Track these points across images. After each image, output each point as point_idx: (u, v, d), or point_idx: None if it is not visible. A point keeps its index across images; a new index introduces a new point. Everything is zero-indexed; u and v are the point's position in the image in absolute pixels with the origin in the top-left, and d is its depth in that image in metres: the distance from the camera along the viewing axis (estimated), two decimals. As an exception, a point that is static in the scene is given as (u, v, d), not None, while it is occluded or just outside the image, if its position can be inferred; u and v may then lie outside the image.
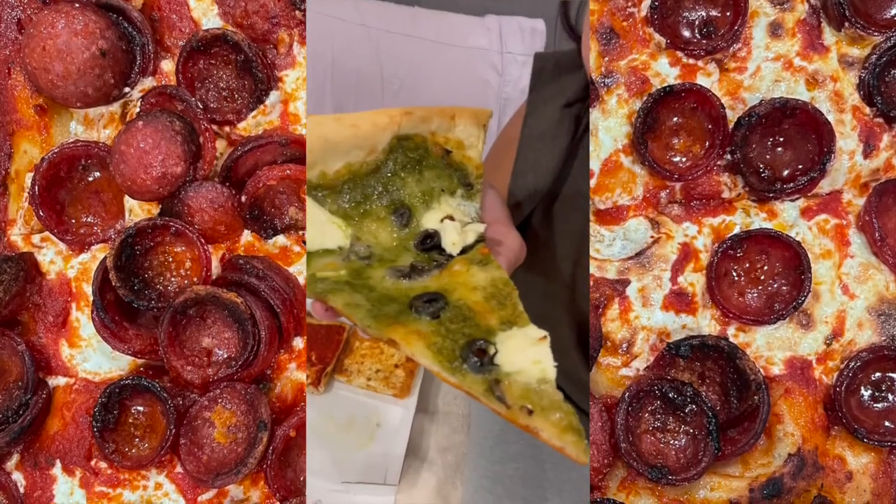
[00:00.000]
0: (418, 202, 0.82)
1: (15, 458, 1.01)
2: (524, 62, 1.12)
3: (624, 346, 1.01)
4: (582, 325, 1.09)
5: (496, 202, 0.89)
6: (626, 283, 1.02)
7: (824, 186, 1.02)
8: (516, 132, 1.12)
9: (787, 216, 1.02)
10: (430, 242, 0.82)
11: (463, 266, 0.80)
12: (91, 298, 0.98)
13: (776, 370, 1.00)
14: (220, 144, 1.02)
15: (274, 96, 1.02)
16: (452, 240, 0.82)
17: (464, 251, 0.82)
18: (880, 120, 1.01)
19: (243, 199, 1.00)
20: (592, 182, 1.03)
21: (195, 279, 0.99)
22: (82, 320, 1.02)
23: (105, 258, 0.97)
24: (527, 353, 0.72)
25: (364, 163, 0.80)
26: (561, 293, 1.11)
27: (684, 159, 1.02)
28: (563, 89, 1.09)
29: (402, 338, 0.71)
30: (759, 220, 1.02)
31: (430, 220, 0.82)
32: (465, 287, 0.77)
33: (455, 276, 0.79)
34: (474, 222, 0.84)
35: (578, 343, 1.13)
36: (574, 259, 1.09)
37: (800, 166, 1.01)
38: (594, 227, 1.03)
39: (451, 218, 0.83)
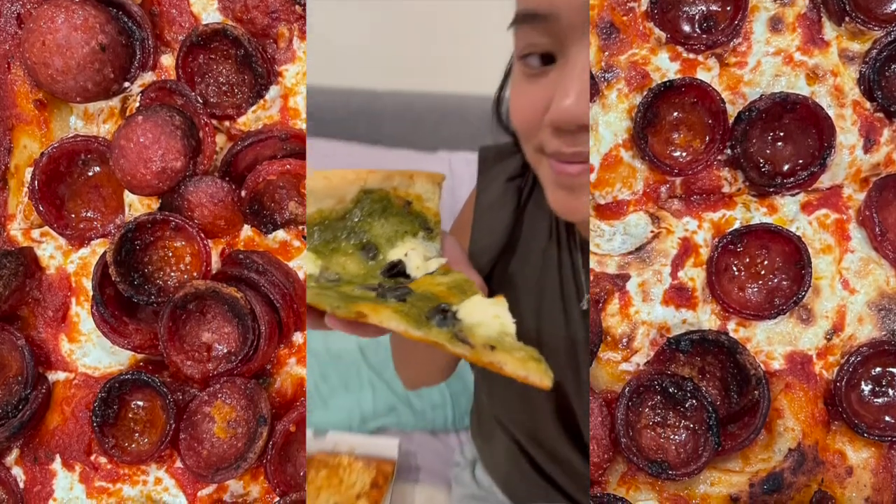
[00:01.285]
0: (383, 241, 0.89)
1: (15, 452, 1.01)
2: (471, 183, 1.28)
3: (624, 340, 1.01)
4: (559, 390, 1.11)
5: (455, 246, 0.95)
6: (626, 277, 1.02)
7: (825, 181, 1.02)
8: (469, 211, 1.23)
9: (788, 211, 1.02)
10: (395, 270, 0.88)
11: (427, 277, 0.87)
12: (91, 293, 0.98)
13: (776, 365, 1.00)
14: (220, 139, 1.02)
15: (274, 91, 1.02)
16: (416, 264, 0.88)
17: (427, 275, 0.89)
18: (881, 115, 1.01)
19: (243, 193, 1.00)
20: (592, 177, 1.03)
21: (195, 274, 0.99)
22: (82, 315, 1.02)
23: (105, 253, 0.97)
24: (486, 310, 0.78)
25: (334, 210, 0.87)
26: None
27: (684, 154, 1.02)
28: (506, 168, 1.20)
29: (370, 309, 0.75)
30: (759, 215, 1.02)
31: (395, 255, 0.89)
32: (429, 284, 0.84)
33: (420, 282, 0.86)
34: (436, 258, 0.91)
35: (558, 414, 1.14)
36: (535, 308, 1.15)
37: (800, 161, 1.00)
38: (594, 222, 1.03)
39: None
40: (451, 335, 0.75)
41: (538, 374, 0.73)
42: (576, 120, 0.83)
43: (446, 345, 0.74)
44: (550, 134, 0.87)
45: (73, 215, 1.03)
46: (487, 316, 0.78)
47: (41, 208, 1.00)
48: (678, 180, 1.03)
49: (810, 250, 0.98)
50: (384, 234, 0.87)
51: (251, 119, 1.02)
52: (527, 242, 1.18)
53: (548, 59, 0.87)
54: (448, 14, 2.45)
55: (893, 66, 1.01)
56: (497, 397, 1.26)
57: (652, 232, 1.03)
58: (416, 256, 0.88)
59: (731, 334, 0.99)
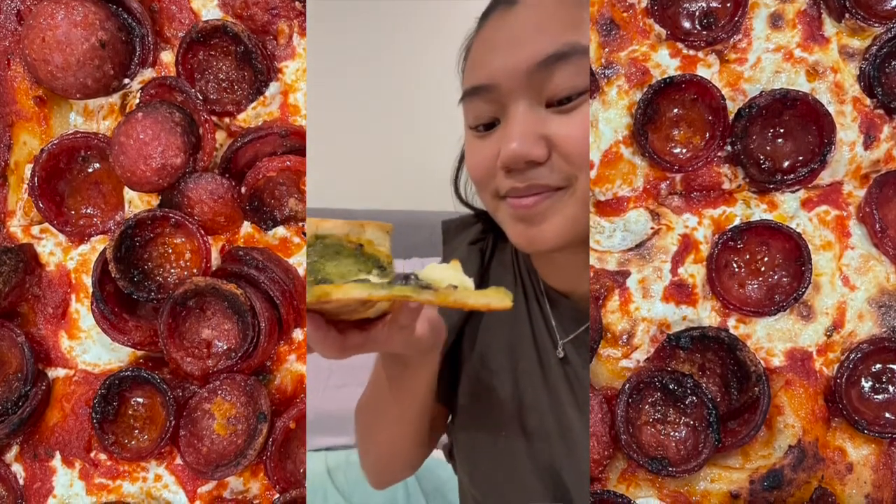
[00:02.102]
0: (339, 278, 0.89)
1: (14, 449, 1.01)
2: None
3: (624, 337, 1.01)
4: (552, 471, 1.10)
5: None
6: (626, 274, 1.02)
7: (825, 178, 1.02)
8: None
9: (788, 207, 1.02)
10: None
11: None
12: (90, 290, 0.98)
13: (776, 361, 1.00)
14: (220, 136, 1.02)
15: (274, 87, 1.02)
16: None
17: None
18: (881, 111, 1.01)
19: (243, 190, 1.00)
20: (593, 174, 1.03)
21: (195, 270, 0.99)
22: (82, 312, 1.02)
23: (104, 249, 0.97)
24: (445, 272, 0.82)
25: None
26: (509, 423, 1.16)
27: (685, 150, 1.02)
28: (468, 235, 1.30)
29: (332, 288, 0.76)
30: (759, 212, 1.01)
31: None
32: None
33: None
34: None
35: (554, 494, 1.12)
36: (511, 368, 1.16)
37: (800, 157, 1.00)
38: (594, 219, 1.03)
39: None
40: (414, 287, 0.79)
41: (498, 299, 0.77)
42: (522, 157, 0.95)
43: (412, 295, 0.77)
44: (504, 177, 0.99)
45: (72, 212, 1.03)
46: (447, 275, 0.82)
47: (41, 205, 1.00)
48: (678, 177, 1.03)
49: (810, 247, 0.98)
50: (338, 273, 0.87)
51: (251, 115, 1.02)
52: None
53: (491, 125, 1.01)
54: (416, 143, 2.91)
55: (893, 63, 1.01)
56: (487, 493, 1.21)
57: (652, 228, 1.02)
58: (375, 278, 0.88)
59: (732, 331, 0.99)
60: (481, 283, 1.22)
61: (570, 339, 1.12)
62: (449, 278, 0.81)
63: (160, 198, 1.01)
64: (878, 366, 0.99)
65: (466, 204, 1.29)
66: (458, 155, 1.25)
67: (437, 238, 1.34)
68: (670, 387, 0.96)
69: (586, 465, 1.03)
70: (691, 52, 1.02)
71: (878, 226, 0.98)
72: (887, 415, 0.98)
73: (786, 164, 1.01)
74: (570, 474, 1.08)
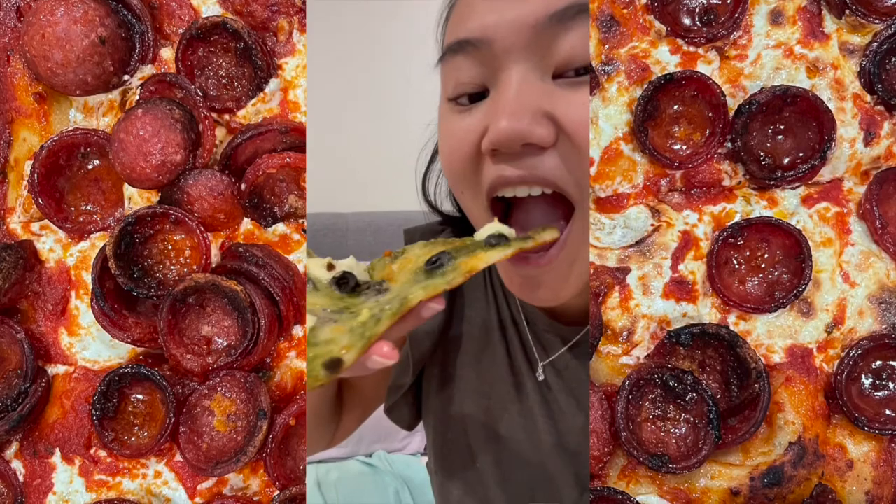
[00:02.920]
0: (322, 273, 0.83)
1: (14, 446, 1.01)
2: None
3: (624, 334, 1.01)
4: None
5: None
6: (626, 271, 1.02)
7: (825, 174, 1.02)
8: None
9: (788, 204, 1.02)
10: (347, 282, 0.78)
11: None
12: (90, 286, 0.98)
13: (777, 358, 0.99)
14: (220, 132, 1.02)
15: (273, 84, 1.02)
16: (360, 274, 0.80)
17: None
18: (881, 108, 1.01)
19: (243, 186, 1.00)
20: (593, 170, 1.03)
21: (195, 267, 0.99)
22: (81, 308, 1.02)
23: (104, 246, 0.97)
24: (495, 228, 0.77)
25: None
26: (481, 452, 1.07)
27: (685, 147, 1.02)
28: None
29: (474, 259, 0.73)
30: (759, 208, 1.01)
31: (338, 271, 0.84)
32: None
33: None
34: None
35: None
36: (484, 394, 1.07)
37: (800, 154, 1.00)
38: (594, 216, 1.03)
39: None
40: (515, 241, 0.75)
41: (549, 233, 0.75)
42: (518, 136, 0.75)
43: (524, 245, 0.74)
44: (490, 163, 0.80)
45: (72, 208, 1.03)
46: (500, 229, 0.77)
47: (41, 201, 1.00)
48: (678, 173, 1.02)
49: (811, 243, 0.98)
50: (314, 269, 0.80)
51: (251, 112, 1.02)
52: (467, 318, 1.11)
53: (477, 96, 0.81)
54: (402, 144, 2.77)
55: (894, 59, 1.01)
56: None
57: (652, 225, 1.02)
58: (357, 268, 0.81)
59: (732, 328, 0.99)
60: (451, 300, 1.12)
61: (552, 360, 1.01)
62: (503, 231, 0.77)
63: (160, 194, 1.01)
64: (879, 362, 0.99)
65: (433, 208, 1.12)
66: (430, 144, 1.07)
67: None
68: (670, 384, 0.96)
69: (563, 495, 0.99)
70: (691, 49, 1.02)
71: (878, 222, 0.98)
72: (887, 411, 0.98)
73: (786, 160, 1.01)
74: None
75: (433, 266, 0.73)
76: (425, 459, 2.30)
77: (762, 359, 0.97)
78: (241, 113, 1.02)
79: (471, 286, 1.11)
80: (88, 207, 1.04)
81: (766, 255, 1.00)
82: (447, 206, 1.11)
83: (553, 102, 0.76)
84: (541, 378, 1.03)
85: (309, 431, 1.12)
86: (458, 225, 1.11)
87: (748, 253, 1.00)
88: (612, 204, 1.03)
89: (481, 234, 0.77)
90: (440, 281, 0.71)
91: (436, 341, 1.11)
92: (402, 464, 2.31)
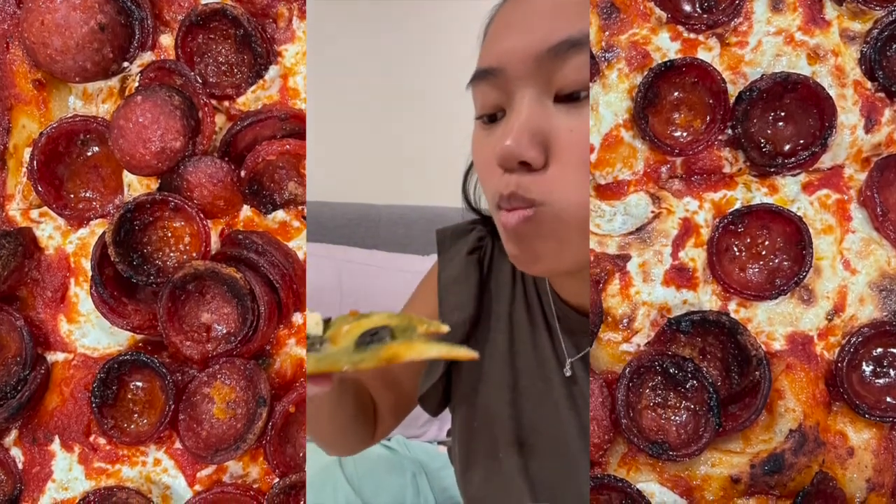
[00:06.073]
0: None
1: (13, 433, 1.01)
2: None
3: (625, 321, 1.01)
4: (549, 494, 1.06)
5: None
6: (626, 258, 1.02)
7: (826, 161, 1.01)
8: (431, 283, 1.26)
9: (789, 191, 1.01)
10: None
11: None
12: (90, 273, 0.98)
13: (777, 345, 0.99)
14: (220, 119, 1.01)
15: (273, 71, 1.02)
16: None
17: None
18: (882, 95, 1.01)
19: (242, 173, 1.00)
20: (593, 157, 1.02)
21: (194, 254, 0.98)
22: (81, 295, 1.01)
23: (104, 233, 0.97)
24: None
25: None
26: (505, 442, 1.11)
27: (685, 134, 1.02)
28: (464, 244, 1.23)
29: (402, 348, 0.73)
30: (760, 195, 1.01)
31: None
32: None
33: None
34: None
35: None
36: (510, 386, 1.12)
37: (801, 141, 1.00)
38: (594, 203, 1.03)
39: None
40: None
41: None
42: (511, 156, 0.86)
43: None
44: (500, 176, 0.90)
45: (71, 195, 1.03)
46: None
47: (40, 188, 1.00)
48: (679, 160, 1.02)
49: (811, 231, 0.98)
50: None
51: (251, 99, 1.02)
52: (495, 313, 1.17)
53: (496, 117, 0.93)
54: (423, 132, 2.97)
55: (894, 46, 1.01)
56: None
57: (652, 212, 1.02)
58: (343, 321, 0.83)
59: (732, 315, 0.99)
60: (480, 297, 1.18)
61: (580, 356, 1.06)
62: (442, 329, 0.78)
63: (159, 181, 1.00)
64: (879, 350, 0.99)
65: (472, 208, 1.22)
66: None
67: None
68: (671, 371, 0.96)
69: (586, 487, 1.00)
70: (692, 36, 1.02)
71: (879, 209, 0.98)
72: (888, 399, 0.98)
73: (787, 147, 1.01)
74: (566, 497, 1.04)
75: (368, 340, 0.76)
76: (442, 448, 2.31)
77: (763, 346, 0.97)
78: (240, 100, 1.02)
79: (499, 275, 1.18)
80: (88, 194, 1.03)
81: (767, 243, 1.00)
82: (484, 204, 1.18)
83: (550, 124, 0.86)
84: (568, 374, 1.07)
85: (346, 433, 1.22)
86: (491, 224, 1.19)
87: (749, 240, 1.00)
88: (612, 191, 1.03)
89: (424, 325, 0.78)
90: (358, 357, 0.74)
91: (467, 332, 1.17)
92: (421, 450, 2.33)
